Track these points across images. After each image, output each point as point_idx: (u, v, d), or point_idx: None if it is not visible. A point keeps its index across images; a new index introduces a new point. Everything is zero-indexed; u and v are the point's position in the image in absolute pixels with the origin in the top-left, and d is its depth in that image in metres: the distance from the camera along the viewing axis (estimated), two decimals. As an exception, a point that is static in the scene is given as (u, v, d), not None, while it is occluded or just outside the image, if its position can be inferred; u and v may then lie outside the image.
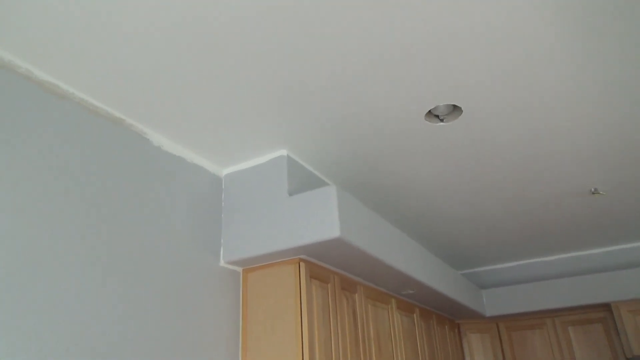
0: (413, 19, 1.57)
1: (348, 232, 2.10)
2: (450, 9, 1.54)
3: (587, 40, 1.73)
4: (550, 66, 1.86)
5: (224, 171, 2.48)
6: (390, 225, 2.56)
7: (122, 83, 1.80)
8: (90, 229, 1.74)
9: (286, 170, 2.29)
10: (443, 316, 4.01)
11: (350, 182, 2.69)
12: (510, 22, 1.62)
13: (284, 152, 2.34)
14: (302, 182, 2.39)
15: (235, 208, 2.35)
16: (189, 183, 2.23)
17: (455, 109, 2.11)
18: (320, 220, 2.07)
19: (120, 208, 1.88)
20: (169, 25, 1.55)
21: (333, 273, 2.44)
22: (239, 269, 2.36)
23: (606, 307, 4.00)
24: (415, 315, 3.38)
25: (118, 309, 1.75)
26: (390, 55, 1.73)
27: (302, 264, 2.22)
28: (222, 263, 2.27)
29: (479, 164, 2.57)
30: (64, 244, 1.64)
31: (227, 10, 1.50)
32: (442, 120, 2.16)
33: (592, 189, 2.97)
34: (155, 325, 1.87)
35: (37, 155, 1.64)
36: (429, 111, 2.11)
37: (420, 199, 2.95)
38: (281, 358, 2.09)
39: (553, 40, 1.72)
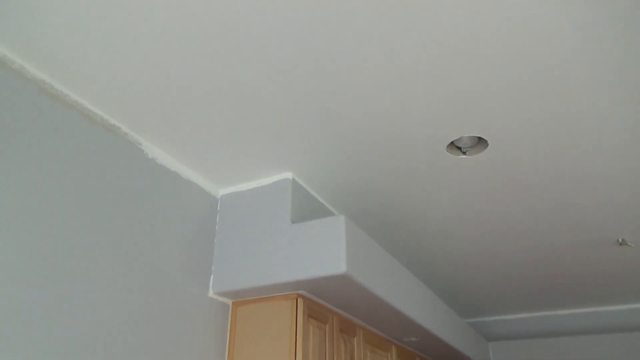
0: (435, 40, 1.51)
1: (355, 269, 2.00)
2: (474, 31, 1.48)
3: (622, 74, 1.66)
4: (582, 104, 1.79)
5: (221, 191, 2.40)
6: (399, 264, 2.47)
7: (119, 89, 1.72)
8: (71, 241, 1.64)
9: (290, 195, 2.21)
10: (445, 368, 3.87)
11: (357, 213, 2.61)
12: (540, 49, 1.55)
13: (289, 175, 2.26)
14: (306, 209, 2.31)
15: (230, 233, 2.25)
16: (182, 201, 2.15)
17: (480, 142, 2.04)
18: (326, 253, 1.98)
19: (105, 222, 1.78)
20: (173, 34, 1.48)
21: (332, 313, 2.33)
22: (229, 302, 2.25)
23: (623, 370, 3.87)
24: (416, 365, 3.26)
25: (91, 336, 1.62)
26: (412, 78, 1.67)
27: (300, 300, 2.11)
28: (210, 293, 2.16)
29: (500, 203, 2.49)
30: (34, 261, 1.53)
31: (236, 23, 1.43)
32: (464, 153, 2.09)
33: (620, 240, 2.89)
34: (130, 358, 1.74)
35: (22, 156, 1.54)
36: (452, 142, 2.04)
37: (432, 237, 2.86)
38: (270, 406, 1.96)
39: (588, 76, 1.66)
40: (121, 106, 1.82)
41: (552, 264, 3.26)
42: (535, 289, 3.74)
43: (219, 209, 2.36)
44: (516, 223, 2.71)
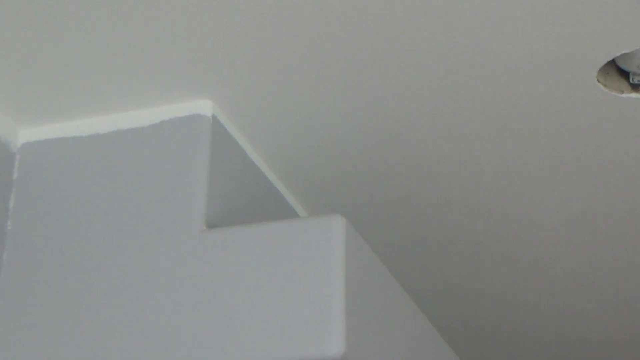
0: None
1: (359, 345, 1.13)
2: None
3: None
4: None
5: (24, 135, 1.39)
6: (428, 323, 1.49)
7: None
8: None
9: (208, 156, 1.24)
10: None
11: (345, 209, 1.58)
12: None
13: (205, 105, 1.28)
14: (240, 193, 1.32)
15: (42, 241, 1.28)
16: None
17: (675, 66, 1.18)
18: (292, 306, 1.14)
19: None
20: None
21: None
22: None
23: None
24: None
25: None
26: None
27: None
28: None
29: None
30: None
31: None
32: (636, 88, 1.26)
33: None
34: None
35: None
36: (612, 61, 1.20)
37: (515, 270, 1.87)
38: None
39: None
40: None
41: None
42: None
43: (16, 177, 1.33)
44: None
